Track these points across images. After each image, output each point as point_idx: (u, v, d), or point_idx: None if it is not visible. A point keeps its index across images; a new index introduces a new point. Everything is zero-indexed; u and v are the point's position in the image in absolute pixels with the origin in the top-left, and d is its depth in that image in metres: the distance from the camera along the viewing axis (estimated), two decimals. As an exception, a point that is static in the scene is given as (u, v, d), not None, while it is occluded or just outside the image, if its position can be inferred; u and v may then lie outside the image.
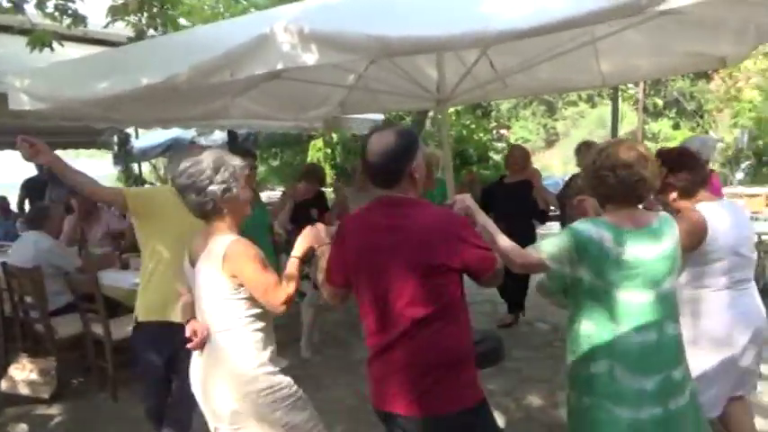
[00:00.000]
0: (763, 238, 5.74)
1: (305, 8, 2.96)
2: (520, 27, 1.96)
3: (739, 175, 17.69)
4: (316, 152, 16.24)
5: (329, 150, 15.05)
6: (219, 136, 9.01)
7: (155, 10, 4.51)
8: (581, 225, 2.02)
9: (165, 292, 2.63)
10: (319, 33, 2.29)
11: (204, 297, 2.05)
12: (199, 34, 3.47)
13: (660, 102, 27.16)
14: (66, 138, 8.15)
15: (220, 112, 4.38)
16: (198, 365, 2.12)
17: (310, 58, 2.31)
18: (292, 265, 2.09)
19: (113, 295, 3.90)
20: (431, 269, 1.78)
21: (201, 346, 2.07)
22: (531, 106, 31.75)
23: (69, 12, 4.43)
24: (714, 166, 12.13)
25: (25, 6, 4.31)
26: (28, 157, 2.55)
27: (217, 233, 2.04)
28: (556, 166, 27.77)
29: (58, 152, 8.94)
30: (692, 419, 2.05)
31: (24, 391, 3.81)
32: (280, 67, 2.38)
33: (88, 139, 8.69)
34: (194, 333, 2.07)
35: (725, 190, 6.82)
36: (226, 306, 2.01)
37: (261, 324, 2.06)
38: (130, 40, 4.43)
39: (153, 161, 14.92)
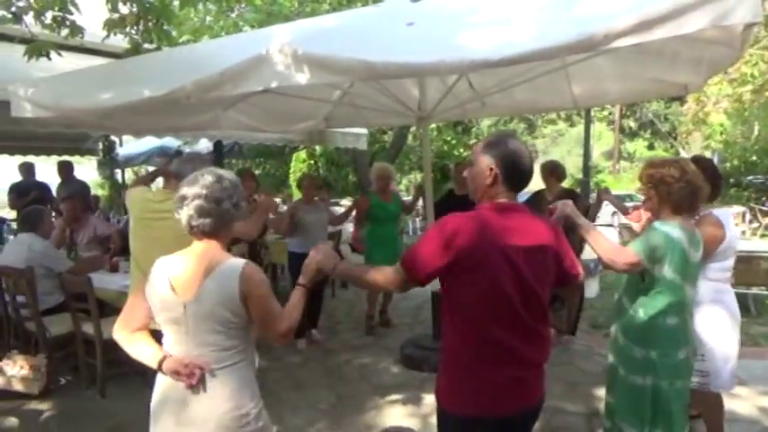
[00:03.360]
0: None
1: (298, 30, 3.21)
2: (491, 58, 2.22)
3: (709, 196, 18.21)
4: (299, 164, 16.42)
5: (312, 162, 15.23)
6: (205, 145, 9.16)
7: (150, 24, 4.68)
8: (666, 227, 2.39)
9: None
10: (311, 55, 2.52)
11: (202, 326, 1.82)
12: (200, 51, 3.69)
13: (633, 124, 27.94)
14: (52, 143, 8.21)
15: (211, 123, 4.59)
16: (176, 404, 1.86)
17: (302, 77, 2.53)
18: (299, 295, 1.97)
19: (102, 296, 4.04)
20: (553, 272, 1.93)
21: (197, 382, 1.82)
22: (512, 123, 32.38)
23: (67, 23, 4.58)
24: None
25: (24, 17, 4.45)
26: None
27: (214, 253, 1.87)
28: (535, 183, 28.22)
29: (43, 157, 8.92)
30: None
31: (15, 386, 3.92)
32: (274, 84, 2.60)
33: (73, 144, 8.76)
34: (188, 368, 1.80)
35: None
36: (228, 336, 1.83)
37: (253, 359, 1.95)
38: (127, 52, 4.60)
39: (136, 168, 14.97)
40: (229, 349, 1.84)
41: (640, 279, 2.46)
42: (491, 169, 1.85)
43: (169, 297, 1.84)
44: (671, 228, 2.38)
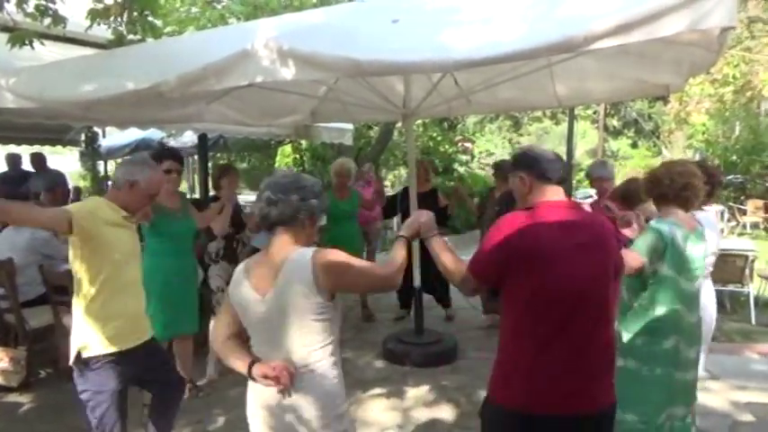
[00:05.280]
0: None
1: (284, 25, 3.20)
2: (474, 57, 2.25)
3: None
4: (284, 158, 16.33)
5: (298, 156, 15.17)
6: (189, 138, 9.10)
7: (135, 14, 4.64)
8: (661, 224, 2.53)
9: (132, 315, 2.60)
10: (296, 51, 2.53)
11: (284, 321, 1.81)
12: (185, 44, 3.67)
13: (617, 123, 28.23)
14: (34, 134, 8.11)
15: (195, 116, 4.56)
16: (268, 408, 1.88)
17: (287, 73, 2.55)
18: (401, 244, 1.98)
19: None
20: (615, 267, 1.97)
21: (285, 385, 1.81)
22: (498, 121, 32.45)
23: (50, 12, 4.52)
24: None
25: (6, 5, 4.39)
26: None
27: (285, 246, 1.86)
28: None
29: (25, 147, 8.80)
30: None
31: (-6, 379, 3.89)
32: (259, 80, 2.61)
33: (55, 135, 8.65)
34: (275, 371, 1.78)
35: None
36: (310, 329, 1.82)
37: (338, 357, 1.93)
38: (111, 43, 4.56)
39: (119, 160, 14.81)
40: (311, 345, 1.83)
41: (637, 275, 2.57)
42: (522, 178, 1.99)
43: (250, 296, 1.85)
44: (666, 225, 2.53)
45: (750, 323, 5.75)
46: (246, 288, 1.86)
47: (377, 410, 3.88)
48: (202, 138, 7.83)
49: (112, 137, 10.55)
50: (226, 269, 4.30)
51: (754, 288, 6.12)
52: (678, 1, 2.03)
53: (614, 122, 28.70)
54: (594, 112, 26.42)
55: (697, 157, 18.21)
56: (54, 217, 2.38)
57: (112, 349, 2.48)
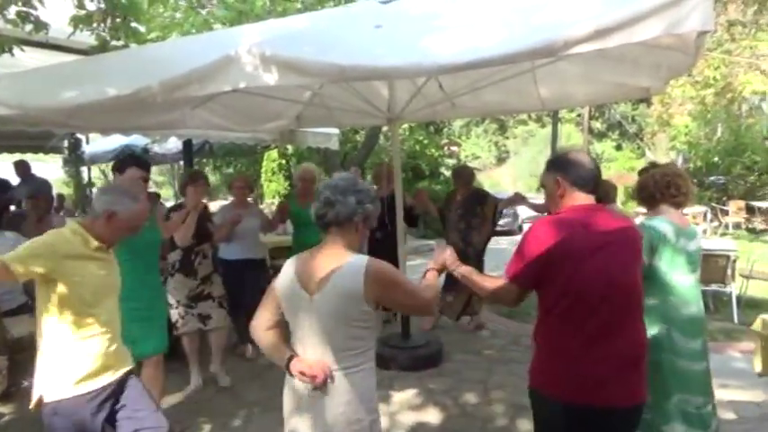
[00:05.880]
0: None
1: (268, 31, 3.21)
2: (456, 62, 2.26)
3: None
4: (270, 163, 16.31)
5: (284, 161, 15.14)
6: (174, 144, 9.06)
7: (117, 21, 4.63)
8: (654, 223, 2.67)
9: (105, 353, 2.33)
10: (279, 57, 2.52)
11: (326, 322, 1.86)
12: (168, 50, 3.65)
13: (601, 125, 28.53)
14: (15, 141, 8.03)
15: (178, 122, 4.53)
16: (300, 404, 1.94)
17: (270, 78, 2.54)
18: (433, 276, 2.17)
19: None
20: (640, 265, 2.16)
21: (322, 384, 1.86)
22: (484, 124, 32.68)
23: (31, 18, 4.50)
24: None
25: (-14, 12, 4.35)
26: None
27: (340, 249, 1.91)
28: (506, 183, 28.65)
29: (5, 155, 8.73)
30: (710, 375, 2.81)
31: (-24, 389, 3.84)
32: (242, 85, 2.60)
33: (37, 143, 8.57)
34: (312, 369, 1.84)
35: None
36: (350, 335, 1.87)
37: (373, 366, 1.98)
38: (93, 49, 4.53)
39: (102, 166, 14.68)
40: (352, 350, 1.88)
41: None
42: (557, 181, 2.12)
43: (297, 292, 1.90)
44: (657, 222, 2.66)
45: (732, 322, 5.84)
46: (295, 285, 1.91)
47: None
48: (187, 143, 7.79)
49: (96, 143, 10.45)
50: (182, 282, 4.21)
51: (735, 287, 6.21)
52: (655, 6, 2.06)
53: (598, 125, 29.00)
54: (579, 115, 26.70)
55: (679, 159, 18.46)
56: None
57: (80, 390, 2.24)
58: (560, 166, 2.14)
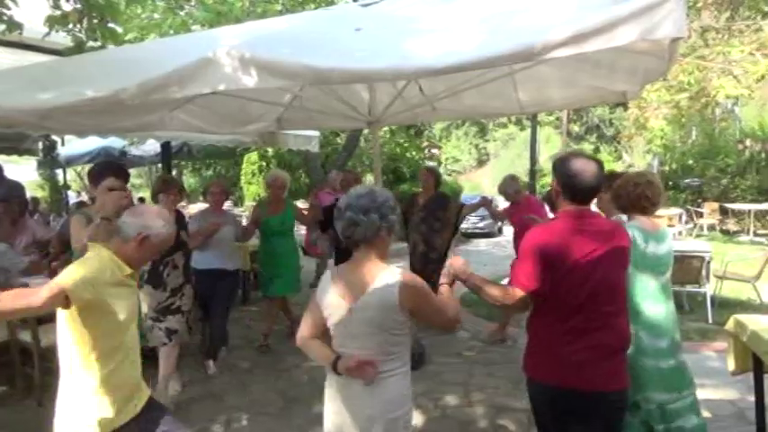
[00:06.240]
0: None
1: (247, 33, 3.19)
2: (435, 65, 2.28)
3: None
4: (250, 165, 16.22)
5: (264, 164, 15.06)
6: (152, 146, 8.96)
7: (94, 21, 4.56)
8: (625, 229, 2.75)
9: (133, 383, 2.31)
10: (259, 59, 2.52)
11: (365, 330, 1.99)
12: (146, 51, 3.61)
13: (579, 128, 28.93)
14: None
15: (157, 124, 4.49)
16: (341, 402, 2.06)
17: (249, 81, 2.53)
18: (447, 290, 2.26)
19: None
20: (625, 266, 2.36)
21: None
22: (464, 127, 32.86)
23: (4, 17, 4.42)
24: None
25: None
26: None
27: (373, 262, 2.02)
28: (486, 185, 28.82)
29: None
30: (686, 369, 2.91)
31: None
32: (221, 87, 2.58)
33: (10, 144, 8.40)
34: (361, 365, 1.96)
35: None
36: (388, 342, 2.00)
37: (408, 369, 2.11)
38: (69, 50, 4.47)
39: (78, 169, 14.46)
40: (389, 355, 2.01)
41: None
42: (555, 184, 2.31)
43: (337, 302, 2.03)
44: (628, 229, 2.71)
45: (707, 322, 5.94)
46: (334, 295, 2.04)
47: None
48: (165, 145, 7.72)
49: (72, 145, 10.29)
50: (150, 294, 3.96)
51: (710, 288, 6.33)
52: (630, 12, 2.10)
53: (577, 128, 29.37)
54: (557, 118, 27.02)
55: (655, 162, 18.77)
56: (51, 299, 1.91)
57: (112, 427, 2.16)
58: (558, 172, 2.30)
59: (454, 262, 2.34)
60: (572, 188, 2.25)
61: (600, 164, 2.31)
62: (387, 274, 1.99)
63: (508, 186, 5.64)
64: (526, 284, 2.21)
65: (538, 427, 2.40)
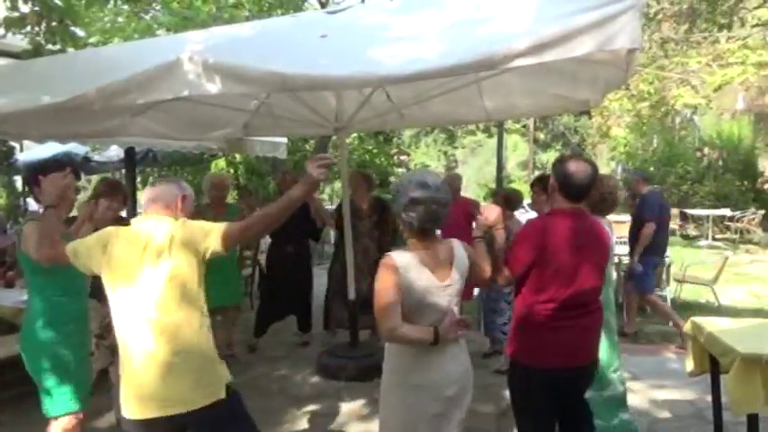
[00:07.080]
0: (624, 259, 6.52)
1: (211, 38, 3.16)
2: (399, 73, 2.30)
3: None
4: (218, 172, 16.00)
5: (232, 170, 14.89)
6: (115, 152, 8.77)
7: (54, 24, 4.45)
8: None
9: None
10: (223, 65, 2.50)
11: (453, 302, 2.22)
12: (106, 55, 3.54)
13: (545, 136, 29.47)
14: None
15: (118, 129, 4.36)
16: (431, 362, 2.21)
17: (213, 87, 2.50)
18: (480, 245, 2.48)
19: (-3, 313, 3.78)
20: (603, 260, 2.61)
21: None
22: (433, 134, 33.07)
23: (-41, 20, 4.29)
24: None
25: None
26: None
27: (441, 242, 2.25)
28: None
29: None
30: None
31: None
32: (185, 93, 2.55)
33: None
34: (461, 320, 2.20)
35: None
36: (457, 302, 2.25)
37: None
38: (26, 53, 4.35)
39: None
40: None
41: None
42: (551, 183, 2.52)
43: (434, 284, 2.16)
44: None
45: (668, 324, 6.09)
46: (429, 277, 2.16)
47: (312, 427, 3.84)
48: (129, 151, 7.55)
49: (31, 151, 9.97)
50: (95, 308, 3.39)
51: (670, 291, 6.50)
52: (587, 23, 2.15)
53: (543, 135, 29.90)
54: (524, 126, 27.46)
55: (619, 169, 19.25)
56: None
57: None
58: (556, 171, 2.51)
59: (490, 213, 2.50)
60: (568, 186, 2.45)
61: (594, 166, 2.50)
62: (457, 246, 2.27)
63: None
64: (515, 268, 2.46)
65: (521, 415, 2.59)
